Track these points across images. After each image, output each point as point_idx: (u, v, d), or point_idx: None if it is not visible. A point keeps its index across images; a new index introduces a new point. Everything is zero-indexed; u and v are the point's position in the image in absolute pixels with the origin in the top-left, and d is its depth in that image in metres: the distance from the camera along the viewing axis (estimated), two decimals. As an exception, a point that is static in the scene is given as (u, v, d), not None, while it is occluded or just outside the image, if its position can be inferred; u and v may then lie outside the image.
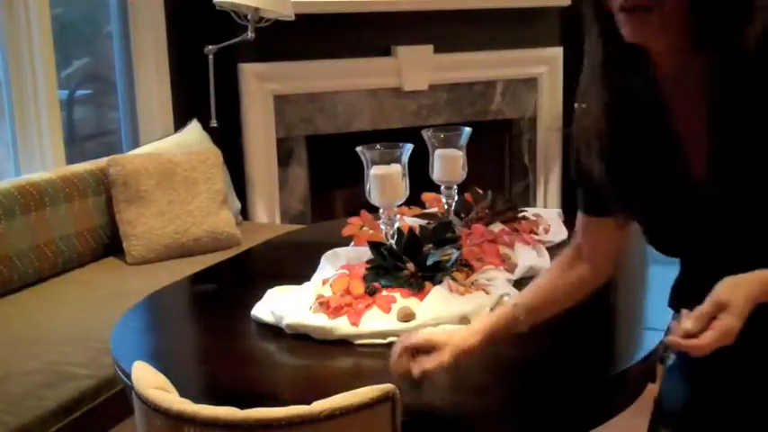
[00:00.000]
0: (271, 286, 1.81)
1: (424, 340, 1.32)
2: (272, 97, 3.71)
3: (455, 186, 2.11)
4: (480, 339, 1.32)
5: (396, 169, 1.85)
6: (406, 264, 1.75)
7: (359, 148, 1.87)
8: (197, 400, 1.21)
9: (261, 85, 3.67)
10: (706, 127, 1.16)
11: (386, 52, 3.92)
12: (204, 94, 3.49)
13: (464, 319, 1.61)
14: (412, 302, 1.65)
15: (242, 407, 1.18)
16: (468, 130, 2.11)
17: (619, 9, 1.13)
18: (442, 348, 1.30)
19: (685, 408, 1.32)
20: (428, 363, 1.29)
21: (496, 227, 2.12)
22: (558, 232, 2.23)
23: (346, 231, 2.08)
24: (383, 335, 1.58)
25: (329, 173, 3.93)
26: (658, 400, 1.38)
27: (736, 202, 1.15)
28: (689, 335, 0.98)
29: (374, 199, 1.87)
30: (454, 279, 1.75)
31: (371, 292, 1.68)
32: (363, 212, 2.08)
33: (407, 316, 1.60)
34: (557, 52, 4.35)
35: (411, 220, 2.11)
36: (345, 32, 3.79)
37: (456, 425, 1.33)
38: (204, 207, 3.08)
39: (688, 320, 0.98)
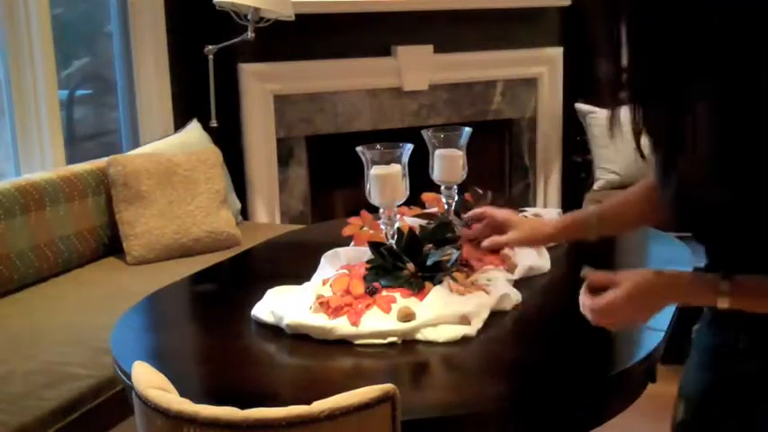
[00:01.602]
0: (271, 286, 1.80)
1: (503, 218, 1.41)
2: (272, 97, 3.71)
3: (455, 186, 2.10)
4: (555, 228, 1.43)
5: (396, 169, 1.85)
6: (406, 264, 1.75)
7: (359, 148, 1.86)
8: (197, 400, 1.21)
9: (261, 85, 3.67)
10: None
11: (386, 52, 3.92)
12: (204, 94, 3.49)
13: (464, 319, 1.61)
14: (412, 302, 1.65)
15: (242, 407, 1.18)
16: (468, 130, 2.11)
17: None
18: (515, 227, 1.39)
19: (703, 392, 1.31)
20: (502, 238, 1.40)
21: (496, 227, 2.12)
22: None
23: (346, 231, 2.08)
24: (383, 335, 1.58)
25: (329, 173, 3.94)
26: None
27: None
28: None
29: (374, 199, 1.87)
30: (454, 279, 1.75)
31: (371, 292, 1.68)
32: (363, 212, 2.08)
33: (407, 316, 1.60)
34: (557, 52, 4.35)
35: (411, 220, 2.11)
36: (345, 32, 3.79)
37: (456, 425, 1.33)
38: (204, 207, 3.08)
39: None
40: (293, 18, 3.39)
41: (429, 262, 1.76)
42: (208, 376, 1.59)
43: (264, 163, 3.73)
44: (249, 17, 3.30)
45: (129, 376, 1.35)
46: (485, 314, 1.65)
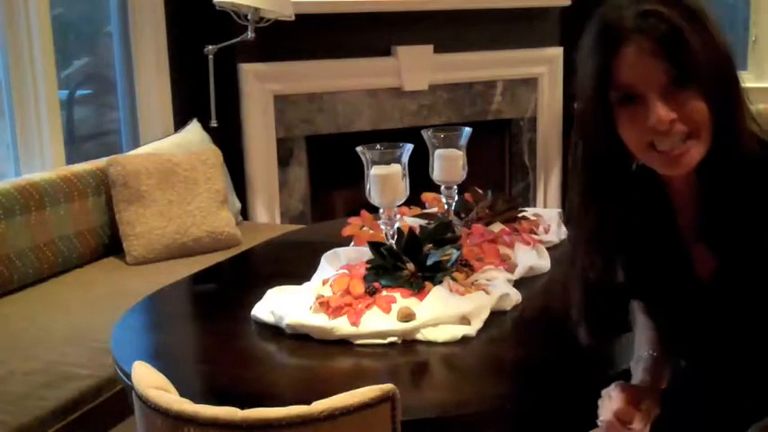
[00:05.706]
0: (271, 286, 1.81)
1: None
2: (272, 97, 3.71)
3: (455, 186, 2.10)
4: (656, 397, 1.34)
5: (396, 169, 1.85)
6: (406, 264, 1.75)
7: (359, 148, 1.87)
8: (197, 400, 1.21)
9: (261, 85, 3.67)
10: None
11: (386, 52, 3.92)
12: (204, 94, 3.49)
13: (464, 320, 1.61)
14: (412, 302, 1.65)
15: (242, 407, 1.18)
16: (468, 130, 2.11)
17: (650, 148, 1.10)
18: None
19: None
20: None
21: (496, 227, 2.12)
22: (558, 232, 2.23)
23: (346, 231, 2.08)
24: (383, 335, 1.58)
25: (329, 173, 3.93)
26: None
27: (738, 308, 1.17)
28: None
29: (374, 199, 1.87)
30: (454, 279, 1.75)
31: (371, 292, 1.68)
32: (363, 212, 2.08)
33: (407, 316, 1.60)
34: (557, 52, 4.35)
35: (411, 220, 2.11)
36: (345, 32, 3.79)
37: (456, 425, 1.33)
38: (204, 207, 3.08)
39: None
40: (293, 18, 3.39)
41: (429, 262, 1.76)
42: (208, 376, 1.59)
43: (264, 163, 3.72)
44: (249, 17, 3.30)
45: (129, 376, 1.35)
46: (485, 314, 1.65)
